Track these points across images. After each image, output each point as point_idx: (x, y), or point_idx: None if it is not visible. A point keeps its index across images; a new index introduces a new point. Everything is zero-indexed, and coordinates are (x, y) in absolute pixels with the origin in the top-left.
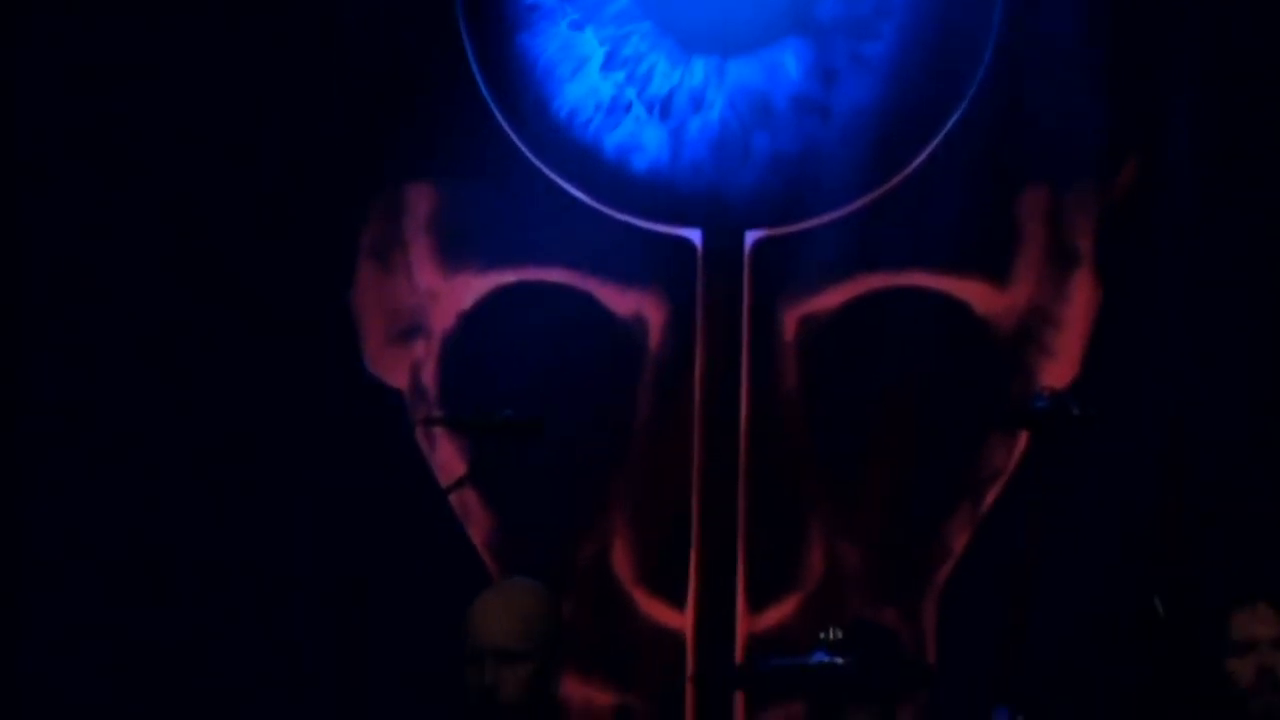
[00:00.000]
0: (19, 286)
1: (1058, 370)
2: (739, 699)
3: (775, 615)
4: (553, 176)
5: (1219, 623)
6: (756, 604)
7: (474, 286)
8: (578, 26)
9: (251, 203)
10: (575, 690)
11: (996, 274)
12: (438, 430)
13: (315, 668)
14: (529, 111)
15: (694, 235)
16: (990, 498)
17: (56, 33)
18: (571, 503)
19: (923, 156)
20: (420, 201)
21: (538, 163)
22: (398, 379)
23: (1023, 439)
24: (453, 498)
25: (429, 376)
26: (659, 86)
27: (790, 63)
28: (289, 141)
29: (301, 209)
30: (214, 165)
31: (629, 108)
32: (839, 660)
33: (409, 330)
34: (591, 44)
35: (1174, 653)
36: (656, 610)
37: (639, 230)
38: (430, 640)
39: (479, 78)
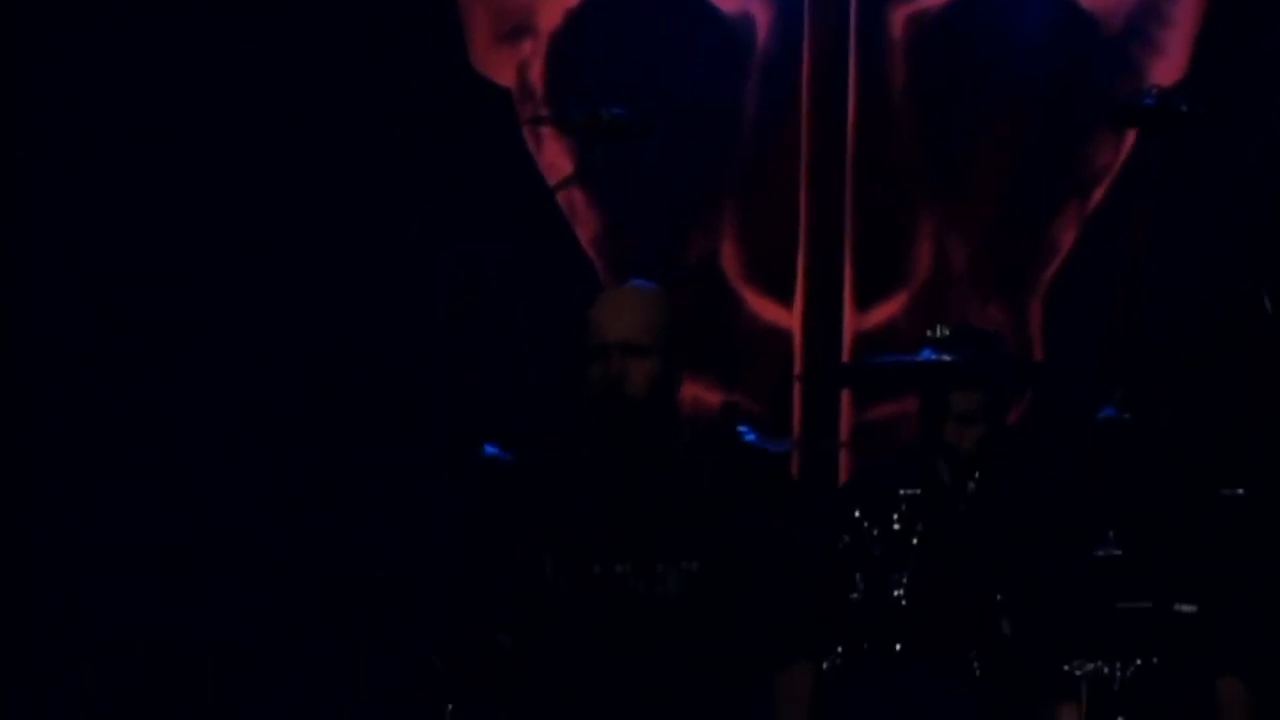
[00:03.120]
0: None
1: (1166, 68)
2: (846, 396)
3: (882, 313)
4: None
5: None
6: (864, 302)
7: None
8: None
9: None
10: (684, 389)
11: None
12: (545, 129)
13: (427, 377)
14: None
15: None
16: (1098, 195)
17: None
18: (679, 201)
19: None
20: None
21: None
22: (505, 78)
23: (1131, 137)
24: (560, 197)
25: (536, 75)
26: None
27: None
28: None
29: None
30: None
31: None
32: (946, 357)
33: (516, 29)
34: None
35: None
36: (764, 308)
37: None
38: (540, 339)
39: None
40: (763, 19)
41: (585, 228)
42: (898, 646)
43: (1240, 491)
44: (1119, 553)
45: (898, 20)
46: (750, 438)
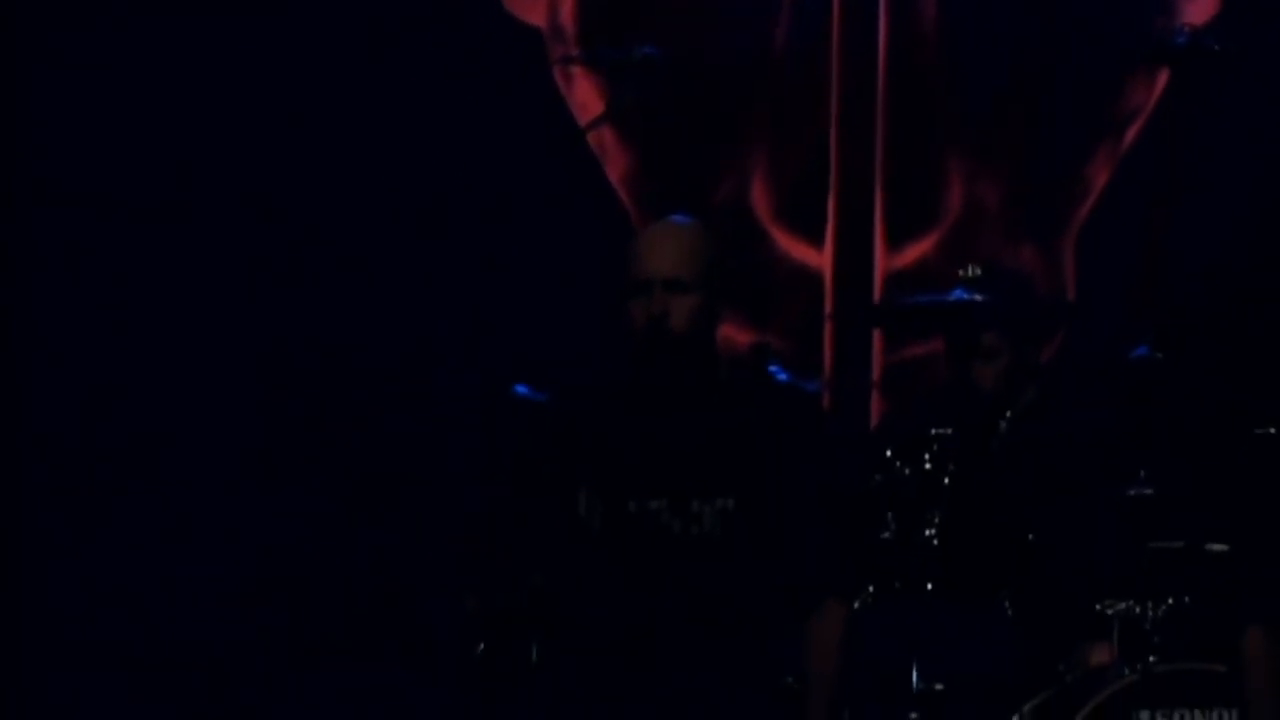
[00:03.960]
0: None
1: (1198, 7)
2: (877, 336)
3: (914, 252)
4: None
5: None
6: (895, 241)
7: None
8: None
9: None
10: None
11: None
12: (576, 69)
13: (459, 320)
14: None
15: None
16: (1130, 135)
17: None
18: (709, 140)
19: None
20: None
21: None
22: (536, 17)
23: (1163, 76)
24: (591, 137)
25: (567, 15)
26: None
27: None
28: None
29: None
30: None
31: None
32: (978, 297)
33: None
34: None
35: None
36: (795, 248)
37: None
38: (572, 276)
39: None
40: None
41: (615, 167)
42: (929, 586)
43: (1273, 431)
44: (1151, 492)
45: None
46: (783, 377)
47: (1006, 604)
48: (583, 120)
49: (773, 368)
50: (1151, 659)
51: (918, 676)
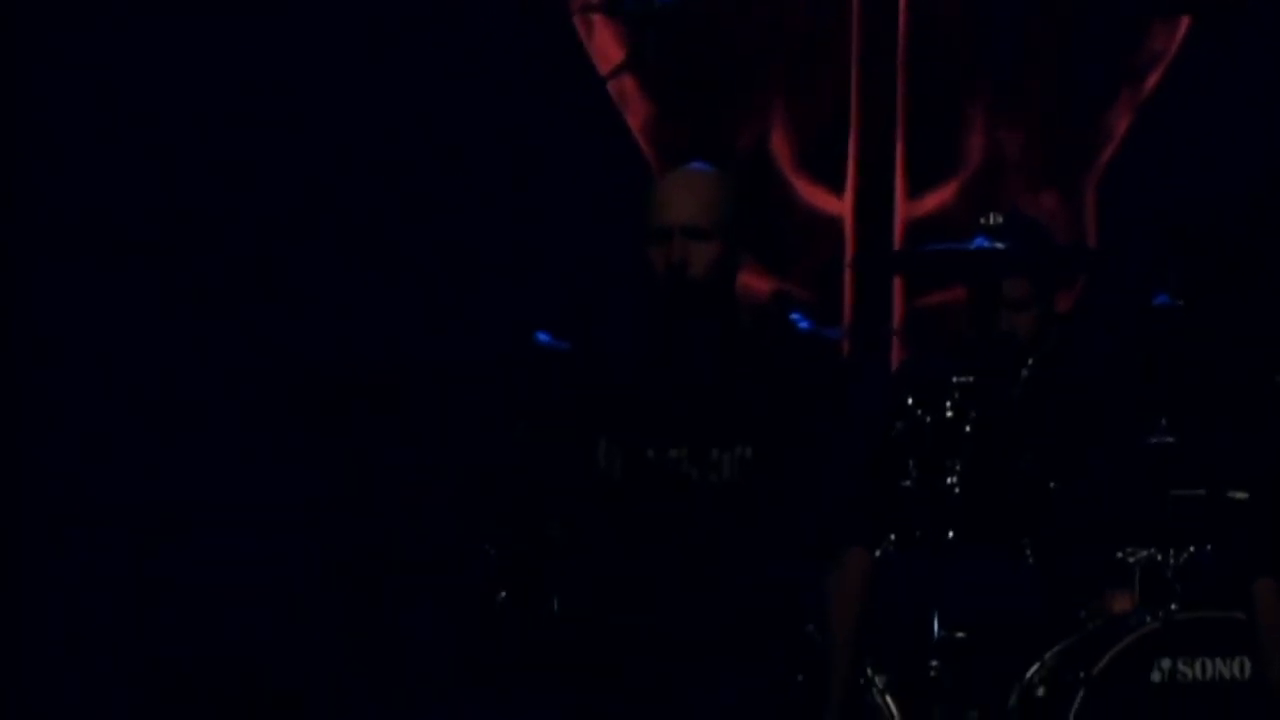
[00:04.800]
0: None
1: None
2: (897, 284)
3: (934, 200)
4: None
5: None
6: (915, 189)
7: None
8: None
9: None
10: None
11: None
12: (595, 17)
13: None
14: None
15: None
16: (1151, 81)
17: None
18: (729, 88)
19: None
20: None
21: None
22: None
23: (1184, 22)
24: (611, 85)
25: None
26: None
27: None
28: None
29: None
30: None
31: None
32: (999, 245)
33: None
34: None
35: None
36: (815, 196)
37: None
38: (593, 225)
39: None
40: None
41: (636, 116)
42: (950, 534)
43: None
44: (1173, 440)
45: None
46: (804, 325)
47: (1028, 552)
48: (603, 69)
49: (794, 315)
50: (1173, 607)
51: (939, 625)
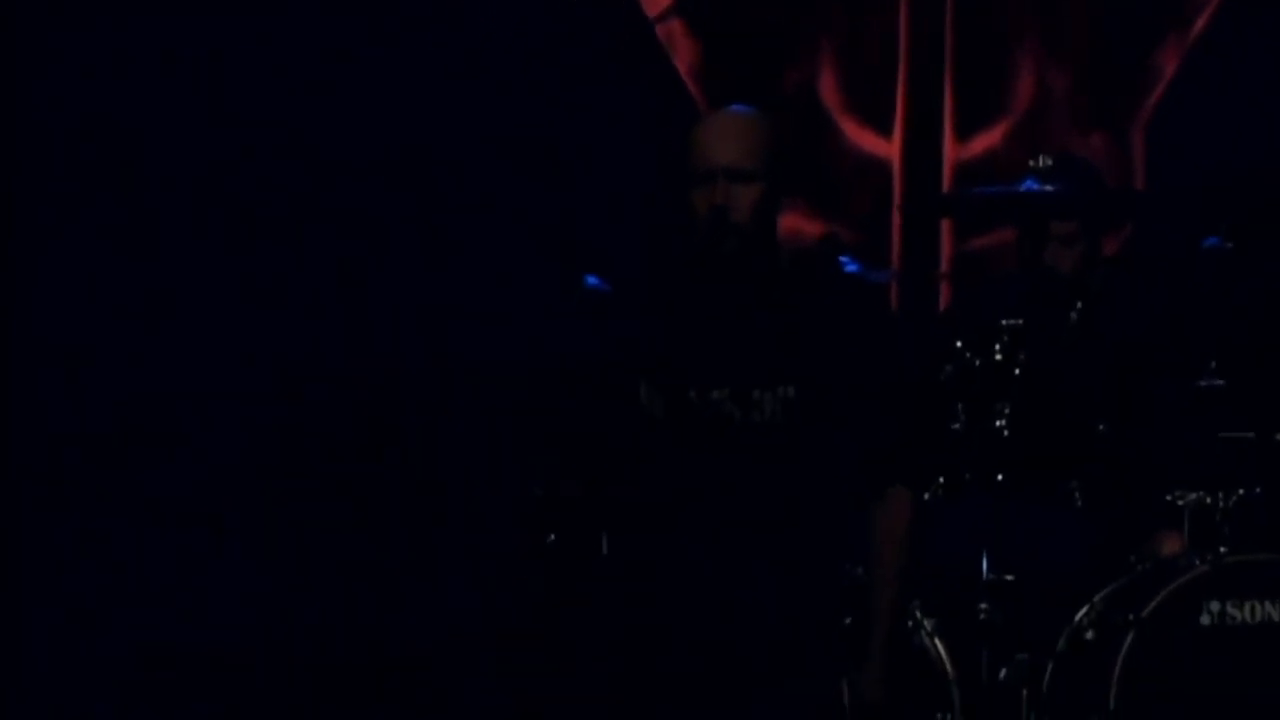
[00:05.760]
0: None
1: None
2: (946, 227)
3: (983, 142)
4: None
5: None
6: (964, 131)
7: None
8: None
9: None
10: (783, 219)
11: None
12: None
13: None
14: None
15: None
16: (1200, 24)
17: None
18: (778, 30)
19: None
20: None
21: None
22: None
23: None
24: (659, 27)
25: None
26: None
27: None
28: None
29: None
30: None
31: None
32: (1048, 187)
33: None
34: None
35: None
36: (863, 138)
37: None
38: (640, 170)
39: None
40: None
41: (684, 58)
42: (999, 477)
43: None
44: (1221, 383)
45: None
46: (851, 268)
47: (1077, 494)
48: (652, 12)
49: (842, 258)
50: (1222, 549)
51: (988, 567)
